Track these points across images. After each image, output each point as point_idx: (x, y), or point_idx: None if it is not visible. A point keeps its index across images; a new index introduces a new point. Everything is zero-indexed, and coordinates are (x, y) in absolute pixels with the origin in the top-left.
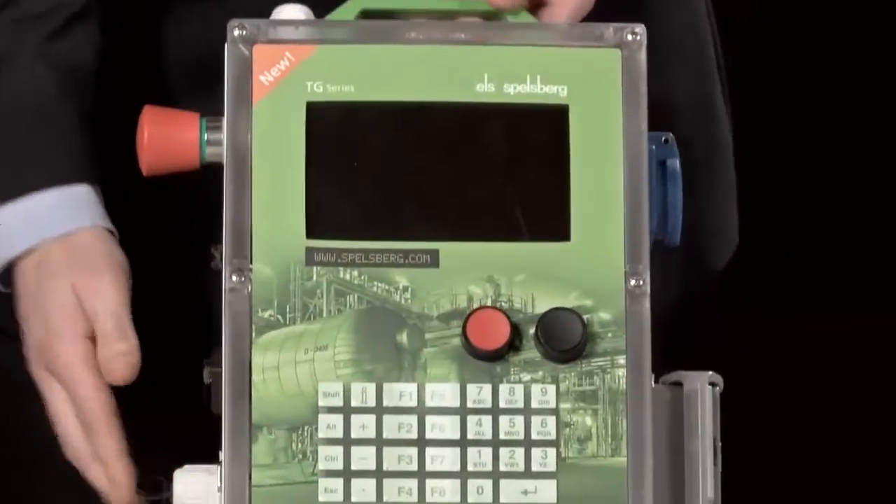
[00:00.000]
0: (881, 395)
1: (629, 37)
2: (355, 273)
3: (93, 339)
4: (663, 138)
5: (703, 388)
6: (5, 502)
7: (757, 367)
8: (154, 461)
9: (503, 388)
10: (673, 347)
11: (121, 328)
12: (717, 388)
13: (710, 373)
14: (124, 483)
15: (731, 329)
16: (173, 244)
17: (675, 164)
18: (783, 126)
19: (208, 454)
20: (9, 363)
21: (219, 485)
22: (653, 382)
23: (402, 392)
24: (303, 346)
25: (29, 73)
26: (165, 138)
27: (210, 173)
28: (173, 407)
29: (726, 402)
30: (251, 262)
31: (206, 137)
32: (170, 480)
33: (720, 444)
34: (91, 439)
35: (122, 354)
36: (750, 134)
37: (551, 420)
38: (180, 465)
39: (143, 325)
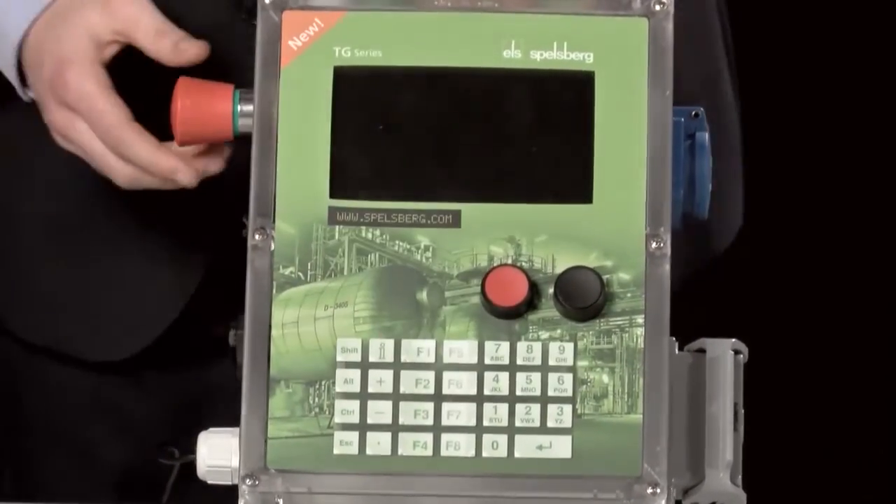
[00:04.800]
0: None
1: (657, 6)
2: (377, 232)
3: (105, 64)
4: (693, 112)
5: (725, 353)
6: (4, 468)
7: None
8: (180, 428)
9: (521, 346)
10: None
11: (166, 24)
12: (741, 355)
13: (734, 340)
14: (178, 164)
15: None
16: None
17: (704, 137)
18: (792, 125)
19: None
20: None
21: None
22: (676, 349)
23: (420, 348)
24: (323, 302)
25: None
26: (199, 109)
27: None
28: (200, 375)
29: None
30: (274, 221)
31: (239, 109)
32: (185, 446)
33: (742, 410)
34: (124, 152)
35: (183, 39)
36: (763, 132)
37: (568, 377)
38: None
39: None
